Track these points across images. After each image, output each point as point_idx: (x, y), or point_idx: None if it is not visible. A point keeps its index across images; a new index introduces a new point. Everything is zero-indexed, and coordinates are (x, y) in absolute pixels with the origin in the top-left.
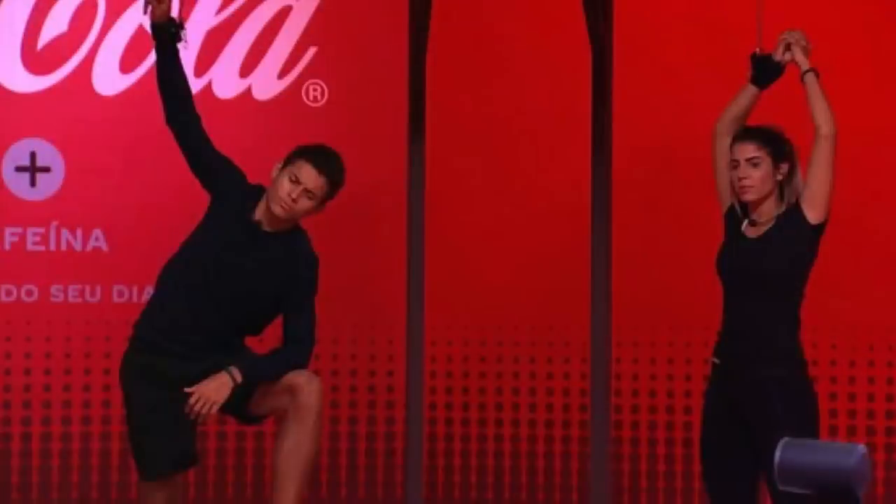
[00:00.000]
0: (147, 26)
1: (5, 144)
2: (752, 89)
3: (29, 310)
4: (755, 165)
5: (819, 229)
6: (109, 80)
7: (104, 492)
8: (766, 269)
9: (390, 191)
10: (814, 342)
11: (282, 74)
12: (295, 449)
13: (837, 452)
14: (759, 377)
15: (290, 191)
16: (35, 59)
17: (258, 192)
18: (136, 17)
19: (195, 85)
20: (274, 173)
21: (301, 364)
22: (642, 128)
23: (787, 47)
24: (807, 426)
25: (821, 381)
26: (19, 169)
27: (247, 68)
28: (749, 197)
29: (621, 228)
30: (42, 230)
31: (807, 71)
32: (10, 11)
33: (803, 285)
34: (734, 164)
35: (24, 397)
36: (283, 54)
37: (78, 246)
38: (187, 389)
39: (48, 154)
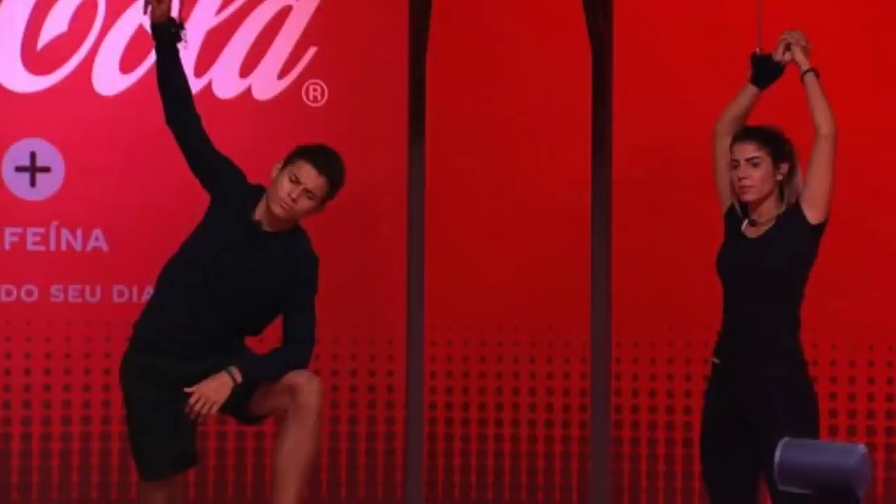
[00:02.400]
0: (147, 26)
1: (5, 144)
2: (752, 89)
3: (29, 310)
4: (755, 165)
5: (819, 229)
6: (109, 80)
7: (104, 492)
8: (767, 269)
9: (390, 191)
10: (814, 342)
11: (282, 74)
12: (295, 449)
13: (837, 452)
14: (759, 377)
15: (290, 191)
16: (35, 59)
17: (258, 192)
18: (136, 17)
19: (195, 85)
20: (274, 173)
21: (301, 364)
22: (642, 128)
23: (787, 47)
24: (807, 426)
25: (821, 381)
26: (19, 169)
27: (247, 68)
28: (749, 197)
29: (621, 228)
30: (42, 230)
31: (807, 71)
32: (10, 11)
33: (803, 285)
34: (734, 164)
35: (24, 397)
36: (283, 54)
37: (78, 246)
38: (187, 389)
39: (48, 154)
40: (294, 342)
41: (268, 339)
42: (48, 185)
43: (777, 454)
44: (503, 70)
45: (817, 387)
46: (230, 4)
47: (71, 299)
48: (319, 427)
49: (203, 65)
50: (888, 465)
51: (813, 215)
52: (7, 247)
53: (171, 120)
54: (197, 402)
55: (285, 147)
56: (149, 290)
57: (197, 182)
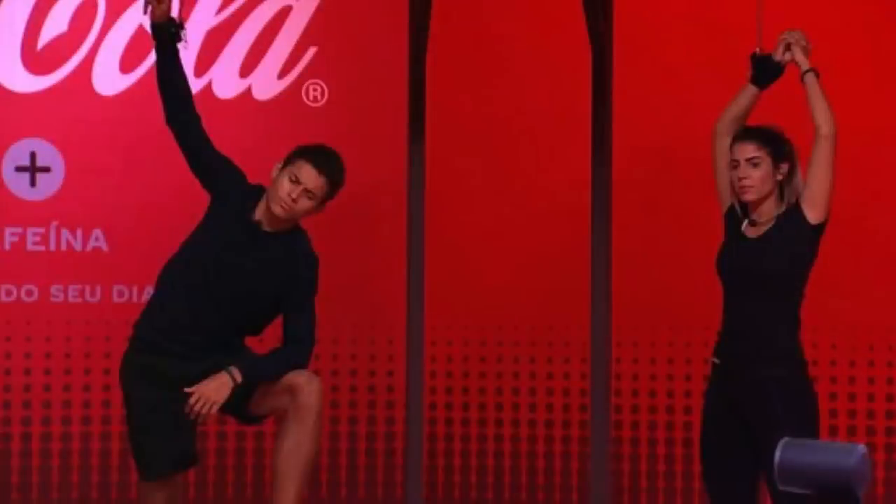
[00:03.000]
0: (147, 26)
1: (5, 144)
2: (752, 89)
3: (29, 310)
4: (755, 165)
5: (819, 229)
6: (109, 80)
7: (104, 492)
8: (767, 269)
9: (390, 191)
10: (814, 342)
11: (282, 74)
12: (295, 449)
13: (837, 452)
14: (759, 377)
15: (290, 191)
16: (35, 59)
17: (258, 192)
18: (136, 17)
19: (195, 85)
20: (274, 173)
21: (301, 364)
22: (642, 128)
23: (787, 47)
24: (807, 426)
25: (821, 381)
26: (19, 169)
27: (247, 68)
28: (749, 197)
29: (621, 228)
30: (42, 230)
31: (807, 71)
32: (10, 11)
33: (803, 285)
34: (734, 164)
35: (24, 397)
36: (283, 54)
37: (78, 246)
38: (187, 389)
39: (48, 154)
40: (294, 342)
41: (268, 339)
42: (48, 185)
43: (777, 454)
44: (503, 70)
45: (817, 387)
46: (230, 4)
47: (71, 299)
48: (319, 427)
49: (203, 65)
50: (888, 465)
51: (813, 215)
52: (7, 247)
53: (171, 120)
54: (197, 402)
55: (285, 147)
56: (149, 290)
57: (197, 182)
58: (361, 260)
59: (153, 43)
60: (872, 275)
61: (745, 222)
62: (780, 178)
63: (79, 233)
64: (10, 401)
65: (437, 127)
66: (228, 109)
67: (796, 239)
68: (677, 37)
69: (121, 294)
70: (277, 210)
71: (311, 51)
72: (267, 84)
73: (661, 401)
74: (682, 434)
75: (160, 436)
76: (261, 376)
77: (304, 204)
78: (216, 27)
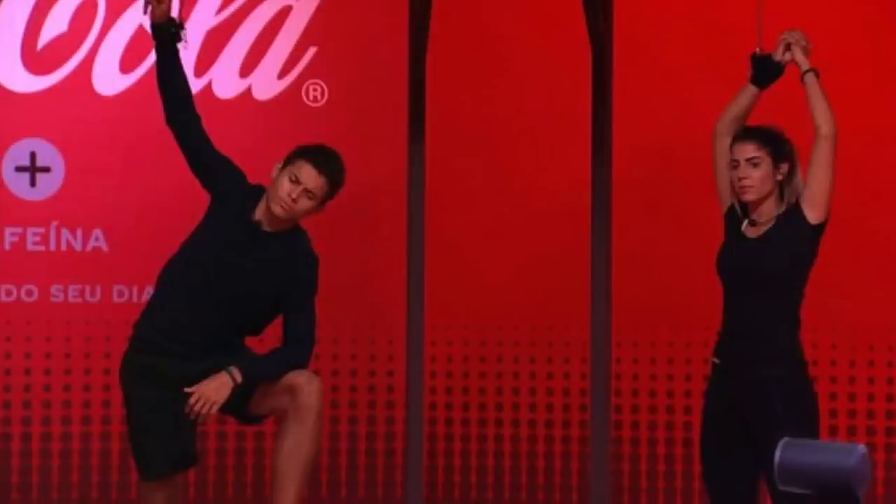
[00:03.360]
0: (147, 26)
1: (5, 144)
2: (752, 89)
3: (29, 310)
4: (755, 165)
5: (819, 229)
6: (109, 80)
7: (104, 492)
8: (767, 269)
9: (390, 191)
10: (814, 342)
11: (282, 74)
12: (295, 449)
13: (837, 452)
14: (759, 377)
15: (290, 191)
16: (35, 59)
17: (258, 192)
18: (136, 17)
19: (195, 85)
20: (274, 173)
21: (301, 364)
22: (642, 128)
23: (787, 47)
24: (807, 426)
25: (821, 381)
26: (19, 169)
27: (247, 68)
28: (749, 197)
29: (621, 228)
30: (42, 230)
31: (807, 71)
32: (10, 11)
33: (803, 285)
34: (734, 164)
35: (24, 397)
36: (283, 54)
37: (78, 246)
38: (187, 389)
39: (48, 154)
40: (294, 342)
41: (268, 339)
42: (48, 185)
43: (777, 454)
44: (503, 70)
45: (817, 387)
46: (230, 4)
47: (71, 299)
48: (319, 427)
49: (203, 65)
50: (888, 465)
51: (813, 215)
52: (7, 247)
53: (171, 120)
54: (197, 402)
55: (285, 147)
56: (149, 290)
57: (197, 182)
58: (361, 260)
59: (153, 43)
60: (872, 275)
61: (745, 222)
62: (780, 178)
63: (79, 233)
64: (10, 401)
65: (437, 127)
66: (228, 109)
67: (796, 239)
68: (677, 37)
69: (121, 294)
70: (277, 210)
71: (311, 51)
72: (267, 84)
73: (661, 401)
74: (682, 434)
75: (160, 436)
76: (261, 376)
77: (304, 204)
78: (216, 27)
